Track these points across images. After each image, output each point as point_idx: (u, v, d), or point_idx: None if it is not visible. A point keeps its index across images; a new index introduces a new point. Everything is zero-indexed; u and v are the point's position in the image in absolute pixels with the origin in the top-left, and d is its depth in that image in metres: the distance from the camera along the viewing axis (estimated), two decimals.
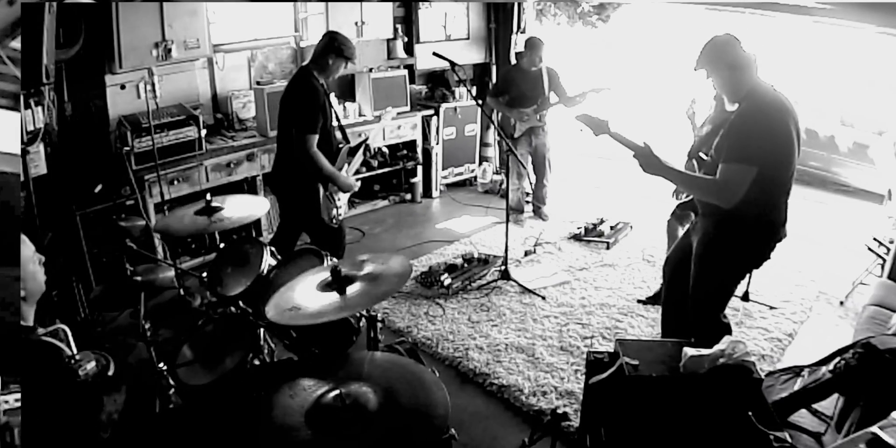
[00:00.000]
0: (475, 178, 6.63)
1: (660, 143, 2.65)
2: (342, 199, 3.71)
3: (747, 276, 3.69)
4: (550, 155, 5.46)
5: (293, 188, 3.53)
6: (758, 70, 2.59)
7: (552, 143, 5.45)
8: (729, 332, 2.83)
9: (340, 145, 3.69)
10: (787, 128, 2.46)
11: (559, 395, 3.16)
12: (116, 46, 3.95)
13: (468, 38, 6.43)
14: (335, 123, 3.63)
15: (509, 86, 5.25)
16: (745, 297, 4.00)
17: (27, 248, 1.76)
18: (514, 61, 6.35)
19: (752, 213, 2.53)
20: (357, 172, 5.69)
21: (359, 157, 3.83)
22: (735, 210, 2.48)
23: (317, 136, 3.40)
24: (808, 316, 3.98)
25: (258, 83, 5.04)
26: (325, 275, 2.20)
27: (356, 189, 3.73)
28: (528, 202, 5.69)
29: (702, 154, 2.80)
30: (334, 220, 3.68)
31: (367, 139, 3.84)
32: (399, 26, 5.90)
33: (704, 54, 2.57)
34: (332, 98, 3.62)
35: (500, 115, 5.40)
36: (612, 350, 2.43)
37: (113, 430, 1.69)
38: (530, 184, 5.57)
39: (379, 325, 2.45)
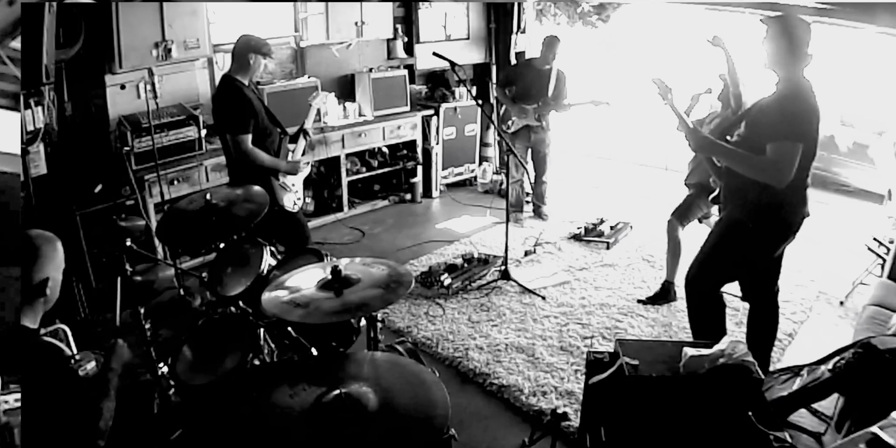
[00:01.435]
0: (475, 178, 6.63)
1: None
2: (296, 184, 3.82)
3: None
4: (550, 152, 5.48)
5: None
6: (807, 68, 2.61)
7: (552, 141, 5.47)
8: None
9: (282, 137, 3.80)
10: (819, 118, 2.53)
11: (559, 395, 3.16)
12: (116, 46, 3.95)
13: (468, 38, 6.44)
14: (268, 118, 3.70)
15: (517, 78, 5.30)
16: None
17: (61, 254, 1.77)
18: (513, 61, 6.36)
19: (780, 202, 2.60)
20: (357, 173, 5.74)
21: (301, 143, 3.89)
22: (763, 199, 2.54)
23: (250, 136, 3.51)
24: (808, 316, 3.98)
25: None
26: (323, 273, 2.20)
27: (304, 169, 3.85)
28: (528, 201, 5.70)
29: (728, 137, 2.82)
30: (295, 205, 3.82)
31: (303, 125, 3.91)
32: (399, 26, 5.90)
33: (782, 20, 2.61)
34: (262, 96, 3.78)
35: (502, 108, 5.43)
36: (612, 350, 2.43)
37: (108, 438, 1.69)
38: (530, 182, 5.59)
39: (379, 325, 2.45)
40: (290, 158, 3.78)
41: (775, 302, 3.11)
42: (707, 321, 3.02)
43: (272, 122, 3.71)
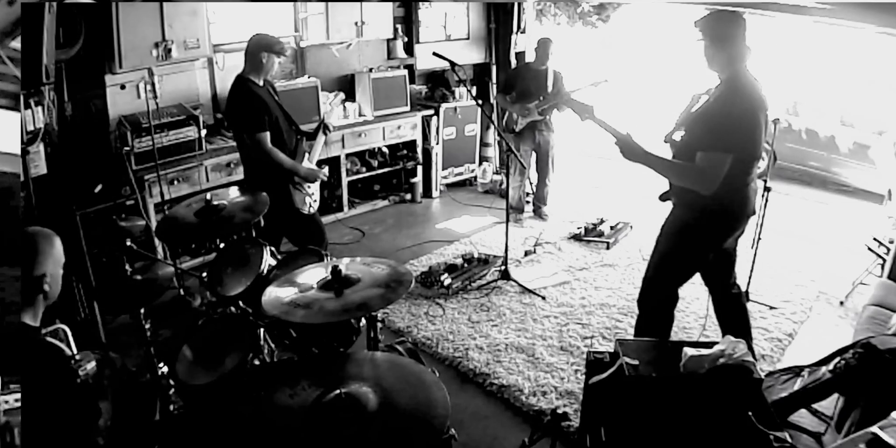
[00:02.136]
0: (475, 178, 6.63)
1: (646, 134, 2.69)
2: (312, 187, 3.81)
3: (745, 276, 3.72)
4: (555, 153, 5.49)
5: (264, 189, 3.52)
6: (748, 62, 2.60)
7: (557, 142, 5.49)
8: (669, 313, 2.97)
9: (298, 137, 3.80)
10: (759, 120, 2.53)
11: (559, 395, 3.16)
12: (116, 46, 3.95)
13: (468, 38, 6.43)
14: (283, 117, 3.70)
15: (516, 81, 5.33)
16: (745, 297, 4.00)
17: (59, 249, 1.77)
18: (514, 61, 6.37)
19: (723, 203, 2.61)
20: (357, 173, 5.74)
21: (320, 139, 3.90)
22: (707, 199, 2.54)
23: (268, 134, 3.51)
24: (808, 316, 3.98)
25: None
26: (323, 273, 2.21)
27: (321, 177, 3.82)
28: (528, 202, 5.70)
29: (675, 137, 2.82)
30: (310, 209, 3.79)
31: (322, 120, 3.94)
32: (399, 26, 5.89)
33: (710, 19, 2.60)
34: (276, 95, 3.75)
35: (504, 113, 5.44)
36: (612, 350, 2.43)
37: (107, 438, 1.69)
38: (531, 183, 5.58)
39: (379, 325, 2.45)
40: (308, 155, 3.77)
41: (738, 293, 3.13)
42: (659, 328, 2.99)
43: (288, 122, 3.71)
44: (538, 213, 5.68)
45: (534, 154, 5.46)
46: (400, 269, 2.24)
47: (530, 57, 5.56)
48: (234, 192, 3.11)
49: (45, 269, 1.71)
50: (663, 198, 2.92)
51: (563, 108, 5.22)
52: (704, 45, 2.58)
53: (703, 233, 2.77)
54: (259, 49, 3.49)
